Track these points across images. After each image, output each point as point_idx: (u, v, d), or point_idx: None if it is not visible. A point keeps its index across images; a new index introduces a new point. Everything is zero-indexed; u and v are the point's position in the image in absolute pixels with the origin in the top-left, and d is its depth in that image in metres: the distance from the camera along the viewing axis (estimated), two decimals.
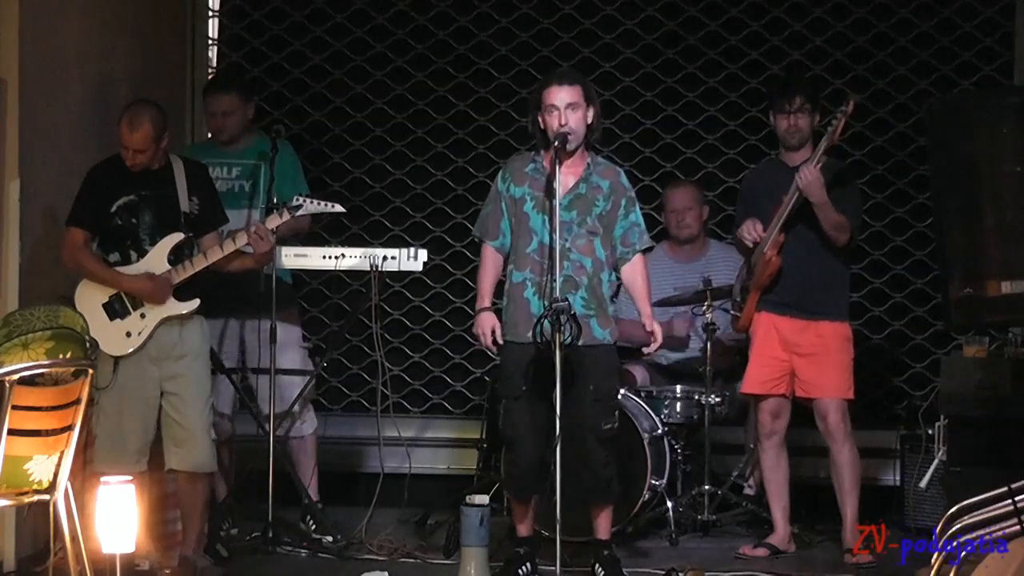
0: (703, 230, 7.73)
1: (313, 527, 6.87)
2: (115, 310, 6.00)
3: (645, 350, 6.20)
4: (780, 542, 6.76)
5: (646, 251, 6.25)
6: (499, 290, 6.21)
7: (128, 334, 6.00)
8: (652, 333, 6.10)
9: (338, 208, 6.44)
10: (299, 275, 7.42)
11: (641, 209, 6.25)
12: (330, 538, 6.76)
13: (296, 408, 6.98)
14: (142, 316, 6.01)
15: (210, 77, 8.17)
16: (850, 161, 7.79)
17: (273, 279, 6.68)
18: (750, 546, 6.77)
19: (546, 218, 6.02)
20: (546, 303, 5.90)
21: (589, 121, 6.05)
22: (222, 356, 6.82)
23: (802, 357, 6.66)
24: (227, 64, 8.41)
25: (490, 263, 6.19)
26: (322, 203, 6.36)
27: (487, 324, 6.07)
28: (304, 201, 6.28)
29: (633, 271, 6.16)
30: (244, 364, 7.02)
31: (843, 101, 6.51)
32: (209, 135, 7.34)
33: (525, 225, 6.08)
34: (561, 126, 5.96)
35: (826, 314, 6.65)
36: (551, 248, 5.93)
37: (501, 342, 6.07)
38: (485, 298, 6.14)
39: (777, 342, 6.69)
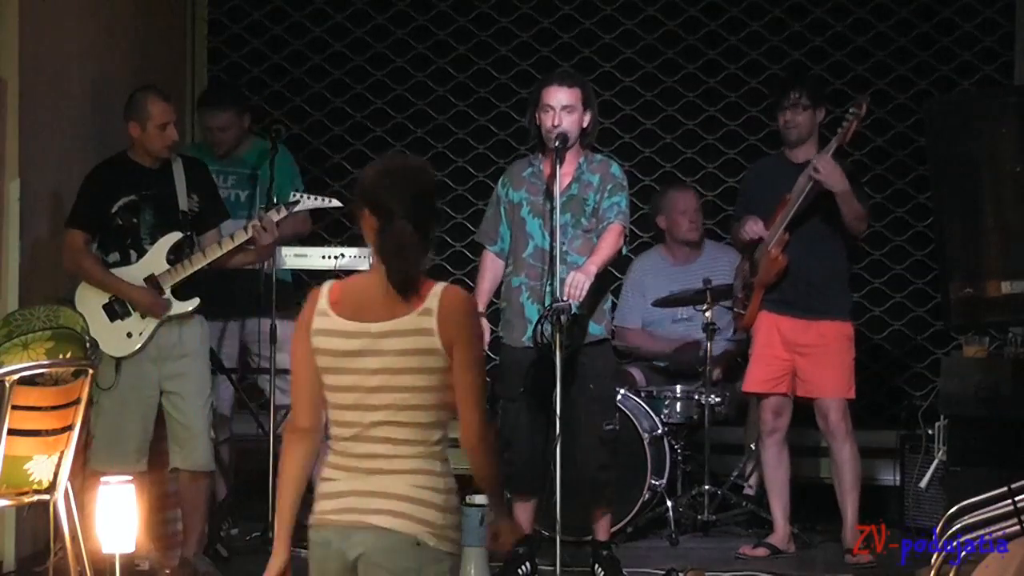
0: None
1: None
2: (115, 311, 5.99)
3: (562, 296, 5.84)
4: (780, 542, 6.75)
5: (633, 241, 6.20)
6: (500, 291, 6.22)
7: (129, 335, 5.99)
8: (572, 283, 5.80)
9: (335, 203, 6.44)
10: (299, 275, 7.41)
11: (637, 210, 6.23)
12: None
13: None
14: (142, 317, 6.00)
15: (205, 90, 8.06)
16: (850, 161, 7.78)
17: (273, 279, 6.67)
18: (750, 546, 6.76)
19: (542, 222, 6.02)
20: (541, 307, 5.89)
21: (584, 125, 6.02)
22: (222, 356, 6.81)
23: (804, 356, 6.65)
24: (217, 77, 8.34)
25: (488, 268, 6.20)
26: (319, 199, 6.35)
27: None
28: (301, 197, 6.28)
29: (602, 236, 5.98)
30: (247, 365, 7.01)
31: (854, 103, 6.45)
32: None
33: (523, 230, 6.08)
34: (554, 126, 5.95)
35: (828, 313, 6.63)
36: (550, 251, 5.93)
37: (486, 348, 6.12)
38: (479, 303, 6.14)
39: (779, 341, 6.67)
